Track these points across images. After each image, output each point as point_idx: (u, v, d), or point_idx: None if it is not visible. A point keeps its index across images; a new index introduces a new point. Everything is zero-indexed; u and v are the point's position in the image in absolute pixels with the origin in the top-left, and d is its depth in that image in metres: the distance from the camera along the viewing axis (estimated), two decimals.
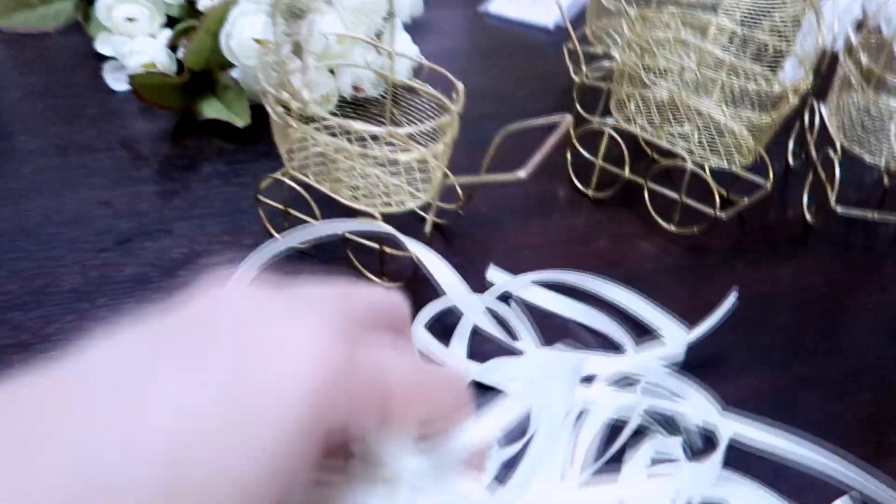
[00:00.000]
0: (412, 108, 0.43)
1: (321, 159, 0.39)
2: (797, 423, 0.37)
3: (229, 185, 0.48)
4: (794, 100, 0.43)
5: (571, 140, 0.51)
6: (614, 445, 0.34)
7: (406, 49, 0.57)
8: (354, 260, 0.42)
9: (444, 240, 0.46)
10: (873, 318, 0.45)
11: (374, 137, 0.33)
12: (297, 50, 0.51)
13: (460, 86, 0.39)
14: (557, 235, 0.48)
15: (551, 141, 0.34)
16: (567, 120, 0.36)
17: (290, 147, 0.40)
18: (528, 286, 0.41)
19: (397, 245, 0.40)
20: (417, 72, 0.56)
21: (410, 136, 0.35)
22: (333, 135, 0.38)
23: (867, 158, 0.47)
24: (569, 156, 0.52)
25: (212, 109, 0.52)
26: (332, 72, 0.53)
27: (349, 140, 0.36)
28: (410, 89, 0.42)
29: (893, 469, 0.36)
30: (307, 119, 0.37)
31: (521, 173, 0.32)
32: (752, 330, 0.43)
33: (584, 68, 0.54)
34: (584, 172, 0.51)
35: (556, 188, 0.52)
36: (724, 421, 0.36)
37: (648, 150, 0.53)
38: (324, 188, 0.39)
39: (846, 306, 0.45)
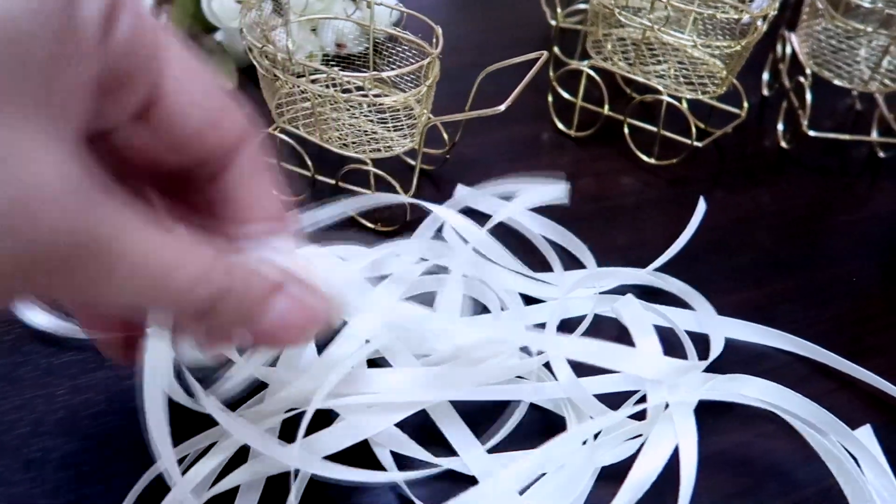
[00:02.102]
0: (395, 58, 0.44)
1: (309, 111, 0.40)
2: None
3: None
4: (762, 26, 0.44)
5: (551, 82, 0.53)
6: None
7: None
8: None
9: (434, 185, 0.47)
10: (848, 234, 0.47)
11: (360, 87, 0.35)
12: (279, 8, 0.52)
13: (438, 29, 0.40)
14: (545, 176, 0.50)
15: (529, 76, 0.36)
16: (544, 56, 0.38)
17: (279, 102, 0.41)
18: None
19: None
20: (398, 22, 0.57)
21: (391, 81, 0.37)
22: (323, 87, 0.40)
23: (837, 82, 0.49)
24: (550, 98, 0.53)
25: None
26: (314, 31, 0.54)
27: (335, 91, 0.37)
28: (392, 38, 0.43)
29: (871, 368, 0.38)
30: (294, 75, 0.39)
31: (501, 107, 0.34)
32: (731, 252, 0.45)
33: (559, 11, 0.55)
34: (565, 113, 0.52)
35: (539, 130, 0.53)
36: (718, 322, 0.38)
37: (626, 88, 0.54)
38: (314, 138, 0.41)
39: (822, 224, 0.47)
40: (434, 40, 0.40)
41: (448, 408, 0.33)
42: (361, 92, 0.42)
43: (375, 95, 0.38)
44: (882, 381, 0.36)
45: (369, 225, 0.43)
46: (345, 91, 0.41)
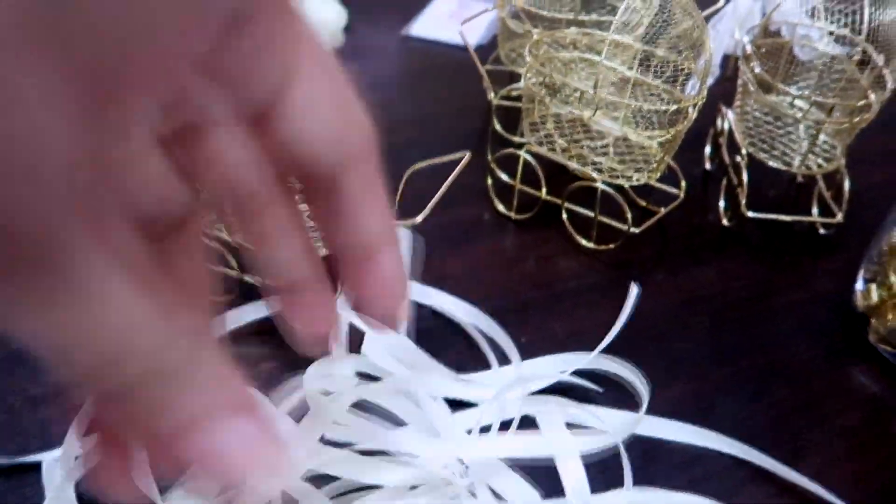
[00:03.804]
0: None
1: None
2: (716, 429, 0.38)
3: None
4: (692, 113, 0.44)
5: (490, 164, 0.52)
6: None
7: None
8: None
9: None
10: (788, 317, 0.46)
11: None
12: None
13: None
14: (482, 261, 0.49)
15: (450, 179, 0.35)
16: (466, 158, 0.37)
17: None
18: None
19: None
20: None
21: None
22: None
23: (772, 164, 0.48)
24: (489, 180, 0.53)
25: None
26: None
27: None
28: None
29: (809, 468, 0.38)
30: None
31: (418, 218, 0.33)
32: (670, 340, 0.44)
33: (491, 93, 0.55)
34: (506, 195, 0.52)
35: (480, 212, 0.53)
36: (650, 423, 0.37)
37: (568, 165, 0.54)
38: (237, 241, 0.40)
39: (762, 307, 0.47)
40: None
41: None
42: None
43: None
44: (819, 488, 0.36)
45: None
46: None
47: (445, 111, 0.63)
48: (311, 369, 0.36)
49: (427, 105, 0.64)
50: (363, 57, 0.70)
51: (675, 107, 0.42)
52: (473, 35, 0.72)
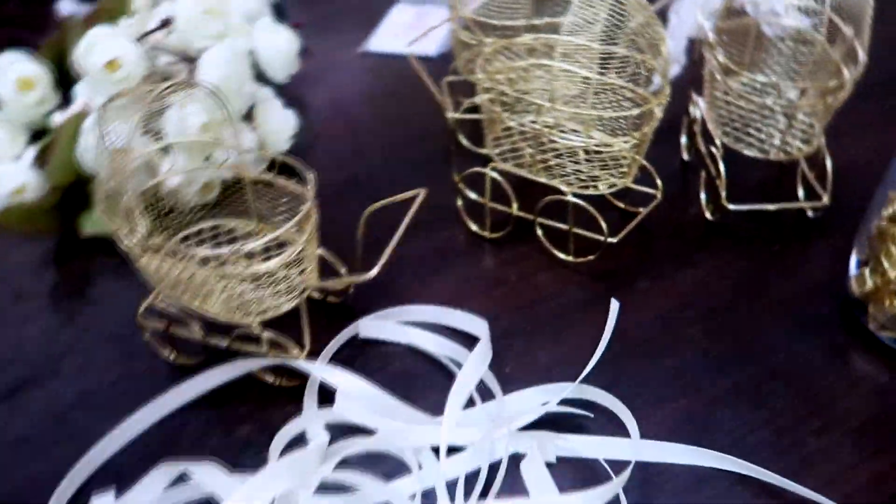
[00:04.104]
0: (272, 201, 0.42)
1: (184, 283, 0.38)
2: (716, 447, 0.36)
3: (117, 305, 0.47)
4: (658, 112, 0.42)
5: (458, 184, 0.50)
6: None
7: (280, 119, 0.55)
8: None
9: (346, 319, 0.44)
10: (782, 313, 0.44)
11: (222, 261, 0.32)
12: (166, 148, 0.50)
13: (311, 176, 0.37)
14: (460, 286, 0.47)
15: (401, 229, 0.33)
16: (421, 195, 0.35)
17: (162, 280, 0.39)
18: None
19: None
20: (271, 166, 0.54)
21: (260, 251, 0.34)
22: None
23: (747, 152, 0.46)
24: (459, 201, 0.50)
25: (92, 224, 0.51)
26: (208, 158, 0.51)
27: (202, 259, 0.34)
28: (267, 183, 0.41)
29: (818, 478, 0.36)
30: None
31: (371, 273, 0.31)
32: (659, 354, 0.42)
33: (448, 112, 0.52)
34: (478, 214, 0.50)
35: (453, 234, 0.51)
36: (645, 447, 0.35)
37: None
38: (194, 309, 0.38)
39: (755, 306, 0.45)
40: (308, 185, 0.37)
41: None
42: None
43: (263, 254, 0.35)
44: (828, 501, 0.34)
45: (273, 381, 0.40)
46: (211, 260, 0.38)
47: (410, 130, 0.61)
48: (282, 433, 0.35)
49: (391, 125, 0.62)
50: (323, 80, 0.68)
51: (637, 111, 0.40)
52: (433, 45, 0.69)
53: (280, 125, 0.56)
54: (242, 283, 0.38)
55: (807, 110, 0.44)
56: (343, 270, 0.43)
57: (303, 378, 0.40)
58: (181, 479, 0.35)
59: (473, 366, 0.36)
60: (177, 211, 0.43)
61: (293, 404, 0.40)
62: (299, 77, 0.65)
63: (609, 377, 0.40)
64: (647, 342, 0.42)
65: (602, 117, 0.41)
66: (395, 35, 0.71)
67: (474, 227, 0.50)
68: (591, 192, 0.44)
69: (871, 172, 0.44)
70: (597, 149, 0.44)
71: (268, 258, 0.36)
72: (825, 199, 0.47)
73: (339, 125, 0.64)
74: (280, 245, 0.37)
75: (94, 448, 0.37)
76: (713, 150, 0.48)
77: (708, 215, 0.50)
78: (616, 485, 0.31)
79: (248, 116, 0.56)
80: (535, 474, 0.31)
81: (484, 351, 0.38)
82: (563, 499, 0.30)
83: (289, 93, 0.63)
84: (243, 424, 0.39)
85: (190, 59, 0.51)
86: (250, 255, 0.37)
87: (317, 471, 0.31)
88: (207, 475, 0.33)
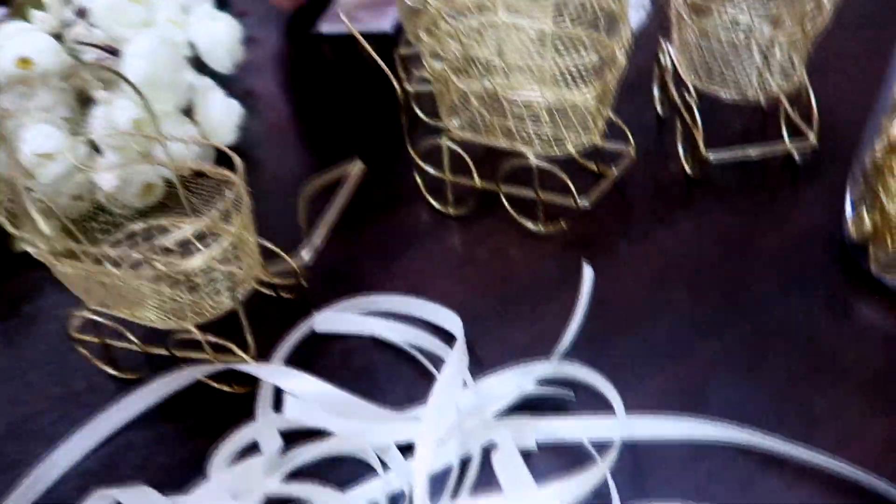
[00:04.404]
0: (211, 193, 0.38)
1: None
2: (711, 416, 0.33)
3: (54, 322, 0.43)
4: (621, 58, 0.38)
5: (415, 160, 0.47)
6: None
7: (223, 110, 0.51)
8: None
9: (300, 314, 0.41)
10: (775, 266, 0.40)
11: (138, 263, 0.28)
12: (95, 147, 0.46)
13: (238, 161, 0.34)
14: (425, 269, 0.43)
15: (336, 204, 0.29)
16: (358, 168, 0.31)
17: (85, 287, 0.35)
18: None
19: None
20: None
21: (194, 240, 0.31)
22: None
23: (723, 95, 0.42)
24: (418, 177, 0.47)
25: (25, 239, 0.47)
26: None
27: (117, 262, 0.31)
28: (198, 173, 0.37)
29: (826, 440, 0.32)
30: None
31: (305, 256, 0.28)
32: (645, 322, 0.38)
33: (398, 85, 0.49)
34: (439, 190, 0.46)
35: (416, 214, 0.47)
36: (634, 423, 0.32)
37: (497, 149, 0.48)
38: (123, 315, 0.34)
39: (745, 262, 0.41)
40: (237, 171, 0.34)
41: None
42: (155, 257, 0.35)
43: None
44: (841, 464, 0.30)
45: (224, 388, 0.37)
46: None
47: (365, 112, 0.57)
48: (227, 446, 0.31)
49: (345, 108, 0.58)
50: (272, 69, 0.64)
51: (595, 57, 0.36)
52: (388, 21, 0.65)
53: (223, 116, 0.52)
54: (175, 284, 0.35)
55: (784, 41, 0.40)
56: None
57: (255, 383, 0.36)
58: None
59: (449, 376, 0.33)
60: (105, 213, 0.39)
61: (248, 411, 0.36)
62: (247, 67, 0.61)
63: (590, 352, 0.36)
64: (630, 311, 0.39)
65: (558, 67, 0.37)
66: (345, 14, 0.67)
67: (436, 205, 0.46)
68: (556, 153, 0.41)
69: (859, 107, 0.40)
70: (558, 105, 0.40)
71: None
72: (812, 139, 0.43)
73: (292, 113, 0.60)
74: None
75: (26, 480, 0.33)
76: (687, 97, 0.44)
77: (688, 170, 0.46)
78: (601, 469, 0.27)
79: (190, 111, 0.53)
80: (508, 466, 0.28)
81: (460, 356, 0.34)
82: (541, 491, 0.26)
83: (236, 84, 0.60)
84: (193, 439, 0.36)
85: (116, 52, 0.47)
86: (186, 252, 0.34)
87: (261, 484, 0.28)
88: (142, 502, 0.29)
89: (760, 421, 0.33)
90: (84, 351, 0.38)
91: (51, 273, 0.43)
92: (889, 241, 0.36)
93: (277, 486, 0.28)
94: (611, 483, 0.29)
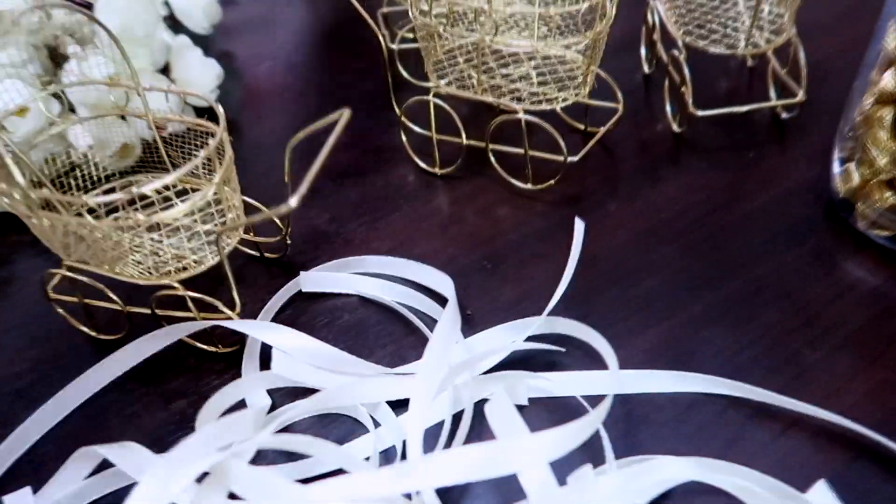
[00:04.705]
0: (186, 145, 0.37)
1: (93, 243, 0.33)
2: (703, 372, 0.33)
3: (32, 284, 0.42)
4: (611, 9, 0.38)
5: (400, 118, 0.46)
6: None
7: (200, 69, 0.50)
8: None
9: (286, 275, 0.40)
10: (764, 222, 0.40)
11: (115, 209, 0.27)
12: (71, 108, 0.45)
13: (220, 110, 0.33)
14: (412, 228, 0.43)
15: (322, 153, 0.29)
16: (345, 116, 0.30)
17: (62, 242, 0.34)
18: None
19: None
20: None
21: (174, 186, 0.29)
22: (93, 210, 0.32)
23: (712, 50, 0.42)
24: (403, 136, 0.46)
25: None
26: (124, 117, 0.46)
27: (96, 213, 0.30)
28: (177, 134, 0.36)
29: (815, 393, 0.32)
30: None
31: (292, 202, 0.27)
32: (637, 278, 0.38)
33: (383, 40, 0.47)
34: (426, 149, 0.45)
35: (402, 174, 0.46)
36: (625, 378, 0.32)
37: (486, 106, 0.47)
38: (104, 272, 0.33)
39: (734, 218, 0.41)
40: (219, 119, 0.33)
41: None
42: (142, 208, 0.34)
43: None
44: (828, 413, 0.30)
45: (208, 349, 0.36)
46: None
47: (350, 71, 0.56)
48: (213, 401, 0.30)
49: (329, 69, 0.56)
50: (253, 30, 0.62)
51: (586, 4, 0.35)
52: None
53: (201, 75, 0.51)
54: (155, 238, 0.34)
55: None
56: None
57: (241, 343, 0.36)
58: (105, 465, 0.31)
59: (442, 334, 0.32)
60: (81, 171, 0.38)
61: (233, 373, 0.35)
62: (225, 30, 0.60)
63: (581, 308, 0.36)
64: (620, 267, 0.39)
65: (548, 13, 0.36)
66: None
67: (423, 165, 0.45)
68: (544, 107, 0.40)
69: (848, 65, 0.40)
70: (550, 60, 0.39)
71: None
72: (801, 95, 0.43)
73: (274, 76, 0.59)
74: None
75: (6, 441, 0.32)
76: (676, 53, 0.43)
77: (675, 127, 0.46)
78: (595, 418, 0.27)
79: (167, 70, 0.51)
80: (501, 416, 0.28)
81: (452, 315, 0.34)
82: (535, 438, 0.26)
83: (213, 46, 0.58)
84: (178, 400, 0.35)
85: (89, 5, 0.46)
86: (167, 207, 0.32)
87: (253, 437, 0.27)
88: (129, 458, 0.28)
89: (749, 374, 0.33)
90: (62, 312, 0.37)
91: (26, 237, 0.41)
92: (877, 196, 0.36)
93: (270, 439, 0.28)
94: (603, 435, 0.29)
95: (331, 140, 0.30)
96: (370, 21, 0.44)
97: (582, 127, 0.45)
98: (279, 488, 0.25)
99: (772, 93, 0.45)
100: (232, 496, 0.26)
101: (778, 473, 0.29)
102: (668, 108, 0.46)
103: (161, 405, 0.35)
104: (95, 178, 0.40)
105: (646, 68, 0.50)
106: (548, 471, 0.26)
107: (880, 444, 0.30)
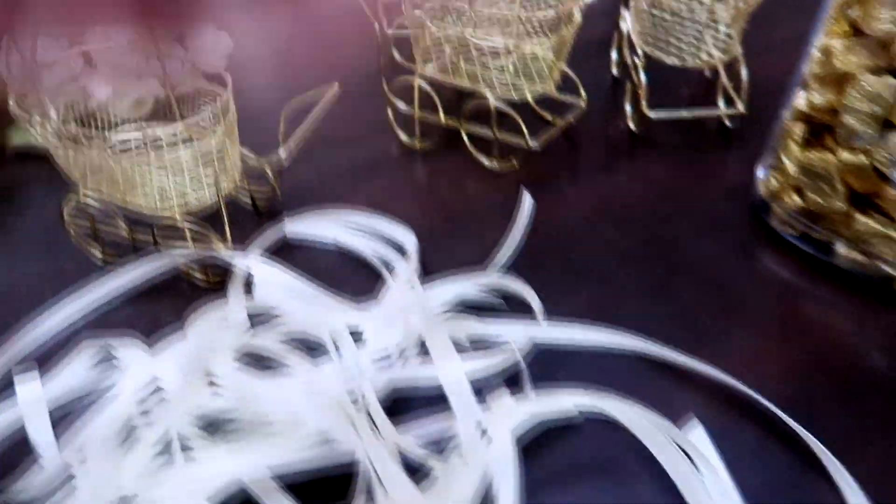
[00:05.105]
0: (195, 110, 0.42)
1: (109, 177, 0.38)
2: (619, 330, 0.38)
3: (46, 210, 0.47)
4: (577, 16, 0.43)
5: (388, 95, 0.51)
6: None
7: (212, 39, 0.55)
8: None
9: (274, 224, 0.45)
10: (695, 216, 0.46)
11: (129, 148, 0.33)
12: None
13: (228, 76, 0.38)
14: (389, 194, 0.48)
15: (311, 117, 0.34)
16: (334, 90, 0.36)
17: (82, 172, 0.39)
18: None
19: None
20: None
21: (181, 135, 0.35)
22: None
23: (668, 61, 0.48)
24: (390, 112, 0.51)
25: (19, 135, 0.51)
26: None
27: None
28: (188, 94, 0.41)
29: (714, 355, 0.38)
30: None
31: (283, 154, 0.32)
32: (575, 249, 0.44)
33: (377, 25, 0.53)
34: (409, 125, 0.51)
35: (385, 145, 0.52)
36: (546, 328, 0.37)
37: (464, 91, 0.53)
38: (117, 202, 0.39)
39: (670, 209, 0.46)
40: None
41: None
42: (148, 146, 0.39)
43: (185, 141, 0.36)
44: (716, 371, 0.36)
45: (199, 277, 0.42)
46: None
47: (344, 50, 0.61)
48: (198, 318, 0.36)
49: (325, 48, 0.62)
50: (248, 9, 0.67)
51: (552, 12, 0.41)
52: None
53: (213, 45, 0.56)
54: (163, 175, 0.39)
55: (728, 15, 0.46)
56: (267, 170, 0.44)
57: (228, 275, 0.41)
58: (106, 360, 0.36)
59: (401, 278, 0.37)
60: (99, 118, 0.43)
61: (220, 301, 0.41)
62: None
63: (525, 271, 0.42)
64: (564, 241, 0.44)
65: (521, 17, 0.42)
66: None
67: (404, 138, 0.51)
68: (515, 97, 0.46)
69: (785, 83, 0.45)
70: (520, 54, 0.45)
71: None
72: (740, 108, 0.49)
73: (268, 50, 0.64)
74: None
75: (15, 337, 0.38)
76: (636, 59, 0.49)
77: (632, 126, 0.51)
78: (516, 351, 0.33)
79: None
80: (438, 343, 0.33)
81: (411, 263, 0.39)
82: (463, 362, 0.32)
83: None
84: (169, 321, 0.40)
85: None
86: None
87: (236, 341, 0.33)
88: (129, 353, 0.34)
89: (660, 336, 0.38)
90: (73, 232, 0.43)
91: (47, 169, 0.47)
92: (787, 199, 0.41)
93: (250, 341, 0.33)
94: (523, 367, 0.35)
95: (318, 107, 0.36)
96: (367, 9, 0.50)
97: (547, 116, 0.51)
98: (250, 381, 0.30)
99: (720, 102, 0.50)
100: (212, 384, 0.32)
101: (666, 413, 0.34)
102: (627, 108, 0.52)
103: (152, 324, 0.40)
104: (112, 124, 0.45)
105: (614, 71, 0.55)
106: (468, 385, 0.31)
107: (752, 398, 0.35)
